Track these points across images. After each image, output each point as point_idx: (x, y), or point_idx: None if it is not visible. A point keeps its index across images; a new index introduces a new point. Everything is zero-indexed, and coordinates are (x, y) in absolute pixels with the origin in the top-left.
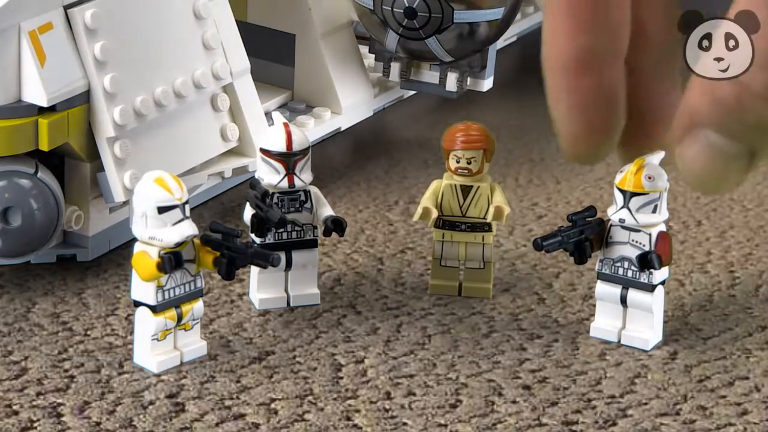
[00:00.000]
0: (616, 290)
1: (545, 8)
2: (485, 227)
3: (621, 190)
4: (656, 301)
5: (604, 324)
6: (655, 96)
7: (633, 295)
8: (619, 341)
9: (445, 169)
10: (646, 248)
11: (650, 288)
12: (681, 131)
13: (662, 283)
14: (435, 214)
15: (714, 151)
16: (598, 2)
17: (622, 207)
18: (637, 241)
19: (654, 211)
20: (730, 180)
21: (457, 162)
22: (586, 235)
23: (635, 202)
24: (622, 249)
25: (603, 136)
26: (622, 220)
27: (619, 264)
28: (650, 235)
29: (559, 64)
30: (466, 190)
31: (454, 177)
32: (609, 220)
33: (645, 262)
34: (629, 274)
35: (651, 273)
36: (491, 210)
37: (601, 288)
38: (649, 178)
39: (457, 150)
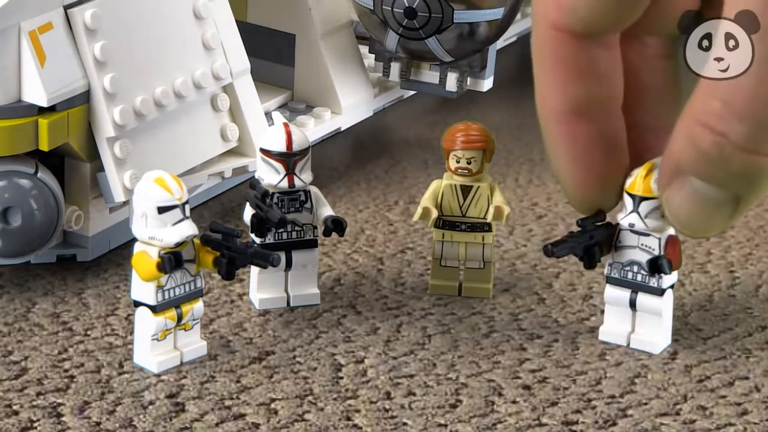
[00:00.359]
0: (625, 294)
1: (535, 61)
2: (485, 227)
3: (630, 195)
4: (665, 304)
5: (613, 328)
6: (655, 140)
7: (642, 299)
8: (628, 345)
9: (445, 169)
10: (656, 252)
11: (660, 292)
12: (667, 177)
13: (671, 286)
14: (435, 214)
15: (699, 197)
16: (586, 49)
17: (632, 211)
18: (646, 245)
19: (664, 215)
20: (717, 224)
21: (457, 162)
22: (595, 240)
23: (645, 206)
24: (631, 253)
25: (608, 183)
26: (632, 225)
27: (628, 268)
28: (660, 239)
29: (555, 115)
30: (466, 190)
31: (454, 177)
32: (618, 224)
33: (655, 266)
34: (639, 278)
35: (661, 277)
36: (491, 210)
37: (611, 292)
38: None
39: (457, 150)
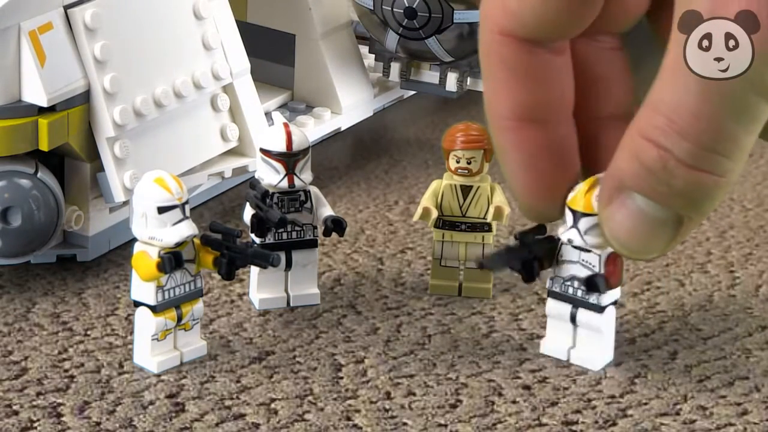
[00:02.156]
0: (566, 309)
1: (482, 65)
2: (485, 227)
3: (571, 209)
4: (606, 321)
5: (555, 341)
6: (613, 130)
7: (582, 315)
8: (568, 360)
9: (445, 169)
10: (596, 269)
11: (599, 309)
12: (609, 193)
13: (614, 303)
14: (435, 214)
15: (641, 215)
16: (533, 55)
17: (572, 227)
18: (587, 262)
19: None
20: (656, 246)
21: (457, 162)
22: (534, 255)
23: (584, 222)
24: (572, 268)
25: (556, 191)
26: (570, 241)
27: (569, 283)
28: (600, 256)
29: (502, 121)
30: (466, 190)
31: (454, 177)
32: (560, 238)
33: (591, 284)
34: (579, 293)
35: (600, 294)
36: (491, 210)
37: (552, 306)
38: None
39: (457, 150)
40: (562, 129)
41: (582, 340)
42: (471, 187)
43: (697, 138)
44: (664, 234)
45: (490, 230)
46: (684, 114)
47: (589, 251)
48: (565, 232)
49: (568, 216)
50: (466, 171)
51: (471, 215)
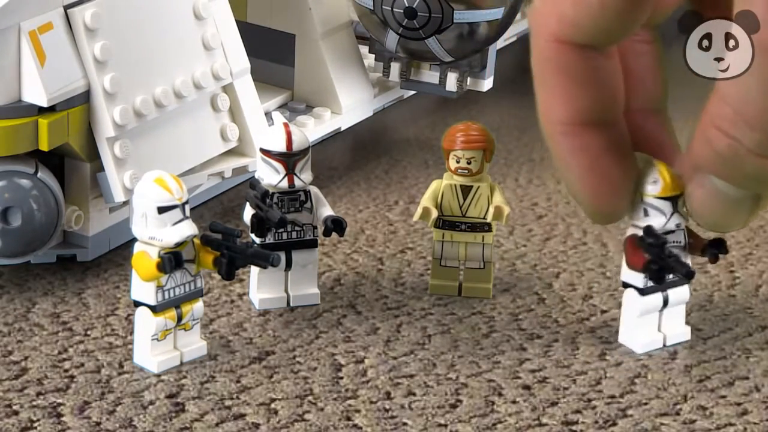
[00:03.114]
0: (658, 298)
1: (536, 74)
2: (485, 227)
3: (667, 198)
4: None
5: (649, 335)
6: (643, 122)
7: (674, 294)
8: (665, 345)
9: (445, 169)
10: (682, 244)
11: (691, 276)
12: (688, 173)
13: None
14: (435, 214)
15: (718, 194)
16: (589, 60)
17: (674, 213)
18: (674, 241)
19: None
20: (737, 221)
21: (457, 162)
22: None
23: (680, 203)
24: None
25: (623, 189)
26: (679, 225)
27: None
28: (683, 231)
29: (562, 128)
30: (466, 190)
31: (454, 177)
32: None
33: (722, 246)
34: (670, 276)
35: (687, 264)
36: (491, 210)
37: (645, 303)
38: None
39: (457, 150)
40: (617, 128)
41: (669, 320)
42: (471, 187)
43: (764, 128)
44: (742, 210)
45: (490, 230)
46: (750, 106)
47: (673, 231)
48: (668, 222)
49: (665, 206)
50: (466, 171)
51: (471, 215)
